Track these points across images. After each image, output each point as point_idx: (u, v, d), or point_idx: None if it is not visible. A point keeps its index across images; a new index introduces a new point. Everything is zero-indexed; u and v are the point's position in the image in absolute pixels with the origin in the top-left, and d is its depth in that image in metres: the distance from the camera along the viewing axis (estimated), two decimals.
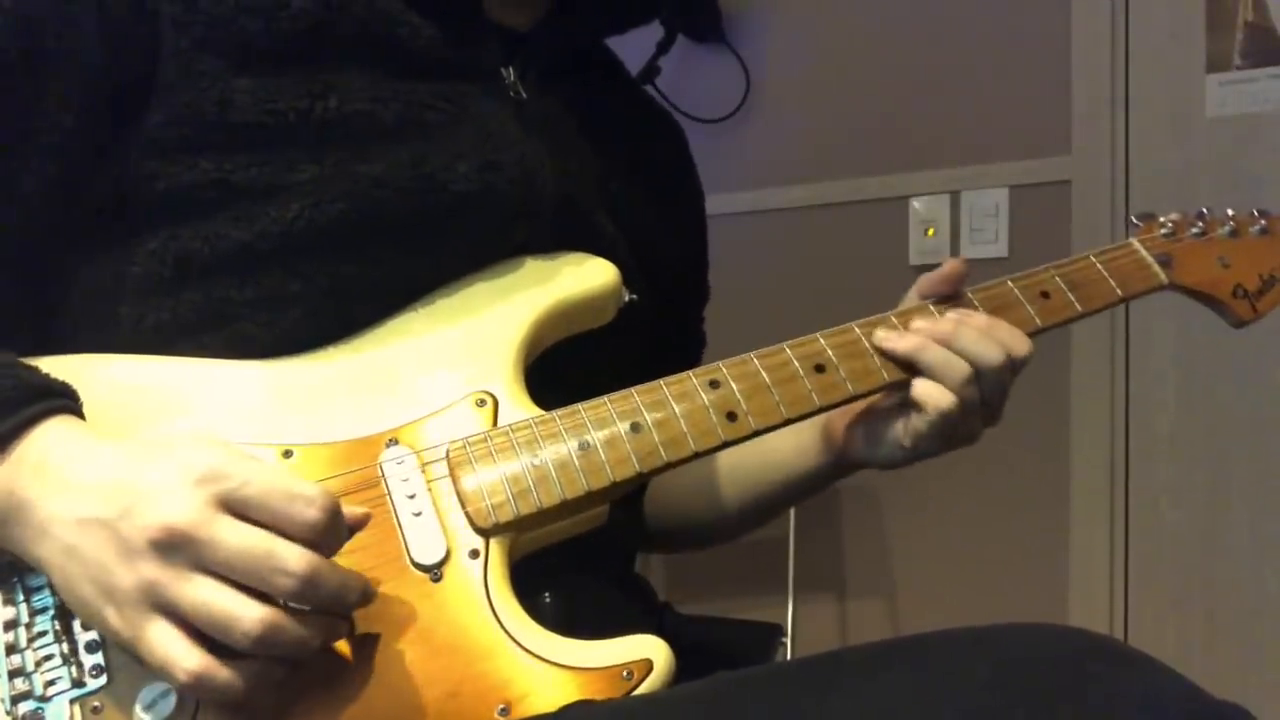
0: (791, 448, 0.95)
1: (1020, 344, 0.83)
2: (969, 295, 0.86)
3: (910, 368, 0.82)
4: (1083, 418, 2.19)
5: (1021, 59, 2.23)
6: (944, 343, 0.81)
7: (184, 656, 0.59)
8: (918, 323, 0.83)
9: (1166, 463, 2.14)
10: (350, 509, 0.65)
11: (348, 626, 0.65)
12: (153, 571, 0.60)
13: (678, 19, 2.34)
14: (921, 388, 0.81)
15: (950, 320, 0.82)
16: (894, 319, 0.84)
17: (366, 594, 0.65)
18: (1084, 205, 2.17)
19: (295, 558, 0.60)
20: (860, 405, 0.87)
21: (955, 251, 2.28)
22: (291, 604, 0.61)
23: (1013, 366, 0.82)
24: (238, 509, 0.61)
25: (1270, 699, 2.03)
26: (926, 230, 2.31)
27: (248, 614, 0.59)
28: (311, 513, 0.61)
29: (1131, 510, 2.17)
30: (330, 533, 0.63)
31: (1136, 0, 2.14)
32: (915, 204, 2.32)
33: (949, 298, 0.86)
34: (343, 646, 0.66)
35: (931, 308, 0.85)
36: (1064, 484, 2.20)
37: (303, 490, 0.62)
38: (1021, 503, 2.25)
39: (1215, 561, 2.11)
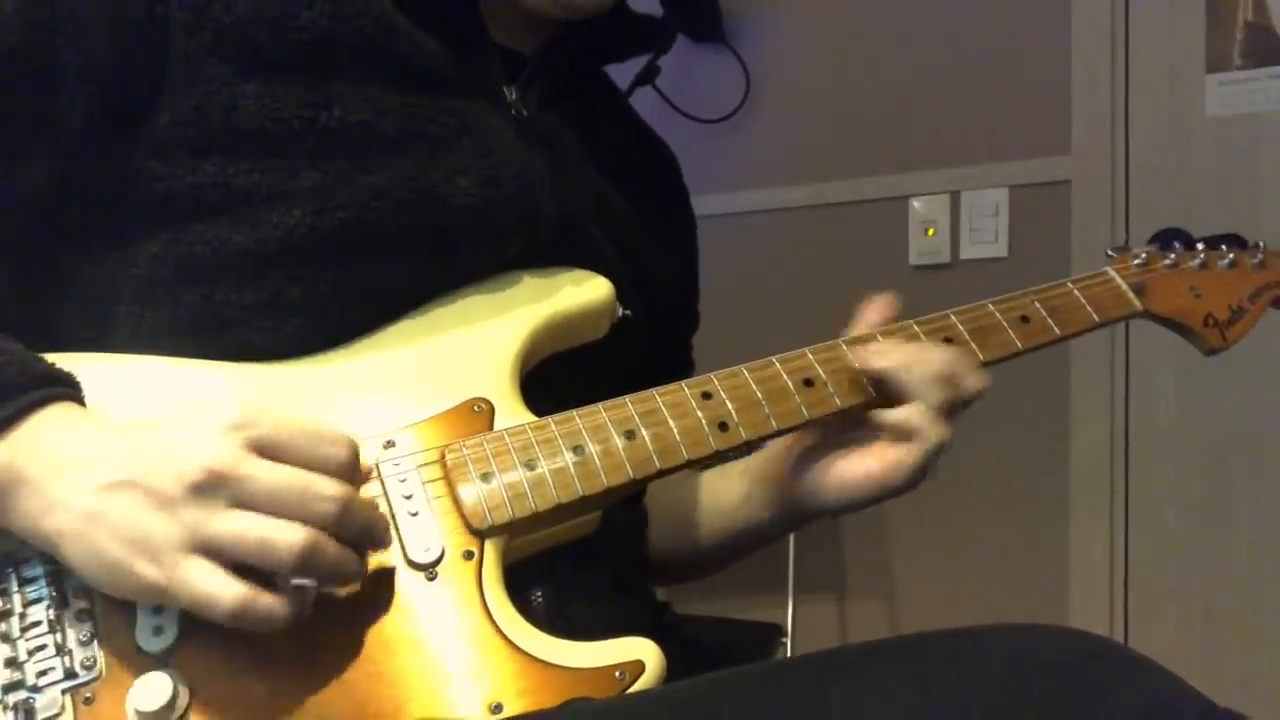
0: (740, 500, 0.95)
1: (978, 378, 0.83)
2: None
3: (885, 387, 0.82)
4: (1083, 418, 2.19)
5: (1021, 59, 2.23)
6: (921, 363, 0.81)
7: (226, 586, 0.61)
8: (886, 343, 0.83)
9: (1166, 462, 2.14)
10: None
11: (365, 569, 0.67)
12: (192, 514, 0.62)
13: (678, 19, 2.34)
14: (916, 417, 0.80)
15: (921, 343, 0.83)
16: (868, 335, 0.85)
17: (388, 535, 0.69)
18: (1084, 205, 2.17)
19: (332, 486, 0.64)
20: (806, 447, 0.87)
21: (955, 251, 2.29)
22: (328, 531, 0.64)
23: (971, 396, 0.83)
24: (269, 452, 0.64)
25: (1270, 699, 2.03)
26: (926, 230, 2.31)
27: (289, 533, 0.62)
28: (339, 451, 0.65)
29: (1131, 510, 2.17)
30: (353, 471, 0.66)
31: (1136, 0, 2.14)
32: (915, 204, 2.32)
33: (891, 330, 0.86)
34: (336, 643, 0.66)
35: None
36: (1064, 484, 2.20)
37: (328, 432, 0.66)
38: (1021, 503, 2.25)
39: (1215, 561, 2.11)
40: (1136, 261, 0.97)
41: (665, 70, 2.36)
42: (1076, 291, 0.92)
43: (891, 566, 2.39)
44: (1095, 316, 0.92)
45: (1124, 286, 0.94)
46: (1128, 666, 0.59)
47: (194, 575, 0.61)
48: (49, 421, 0.66)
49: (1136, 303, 0.94)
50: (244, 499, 0.62)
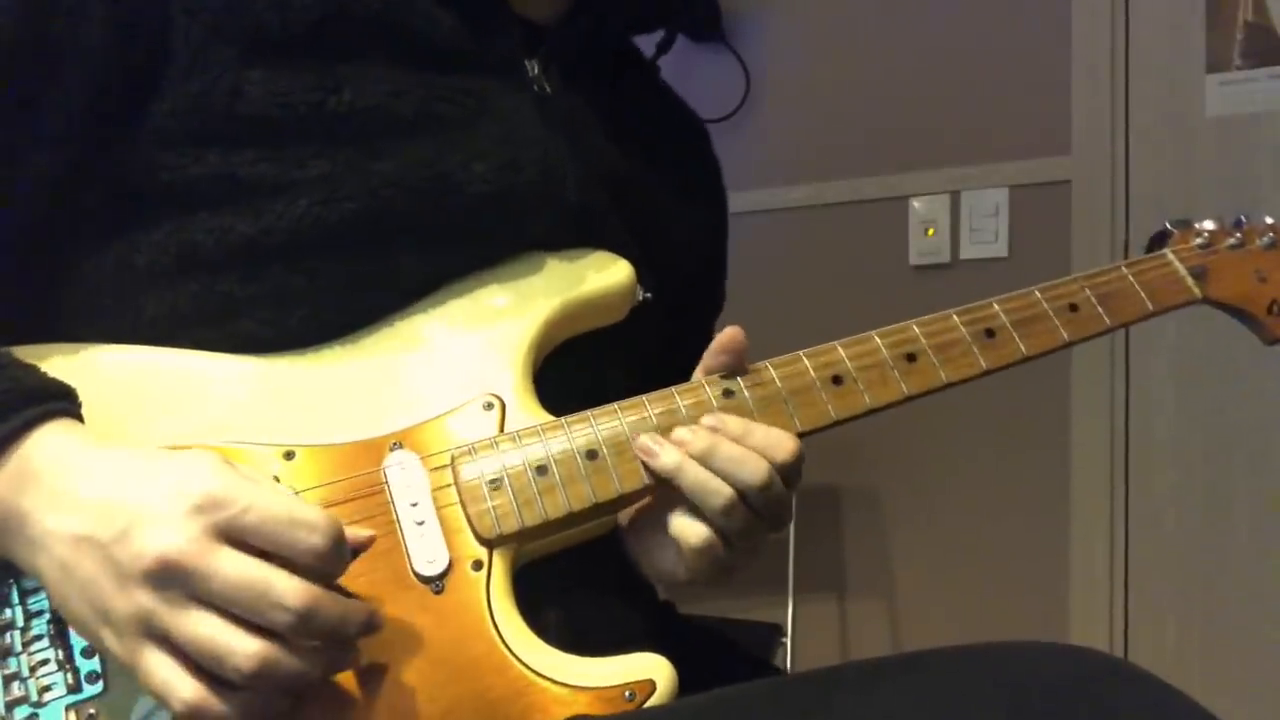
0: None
1: (782, 448, 0.74)
2: (740, 383, 0.77)
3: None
4: (1083, 421, 2.19)
5: (1021, 59, 2.23)
6: (702, 461, 0.72)
7: (179, 686, 0.58)
8: (679, 432, 0.74)
9: (1166, 467, 2.14)
10: (354, 532, 0.64)
11: (353, 656, 0.64)
12: (148, 601, 0.59)
13: (678, 19, 2.34)
14: (677, 525, 0.73)
15: (705, 435, 0.73)
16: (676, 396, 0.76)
17: (370, 624, 0.63)
18: (1084, 205, 2.17)
19: (292, 592, 0.59)
20: (646, 516, 0.80)
21: (955, 251, 2.28)
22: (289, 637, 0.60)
23: (782, 475, 0.74)
24: (237, 537, 0.60)
25: (1270, 701, 2.03)
26: (926, 230, 2.31)
27: (241, 648, 0.58)
28: (314, 539, 0.60)
29: (1131, 513, 2.17)
30: (333, 559, 0.61)
31: (1136, 0, 2.14)
32: (915, 204, 2.32)
33: (734, 370, 0.78)
34: None
35: (705, 385, 0.77)
36: (1064, 487, 2.20)
37: (305, 516, 0.61)
38: (1021, 505, 2.24)
39: (1215, 565, 2.11)
40: (1198, 241, 0.89)
41: (665, 70, 2.35)
42: (1131, 277, 0.85)
43: (891, 566, 2.39)
44: (1150, 305, 0.85)
45: (1183, 271, 0.87)
46: (1133, 685, 0.58)
47: (150, 664, 0.59)
48: (43, 444, 0.64)
49: (1195, 290, 0.87)
50: (200, 594, 0.59)
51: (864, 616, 2.42)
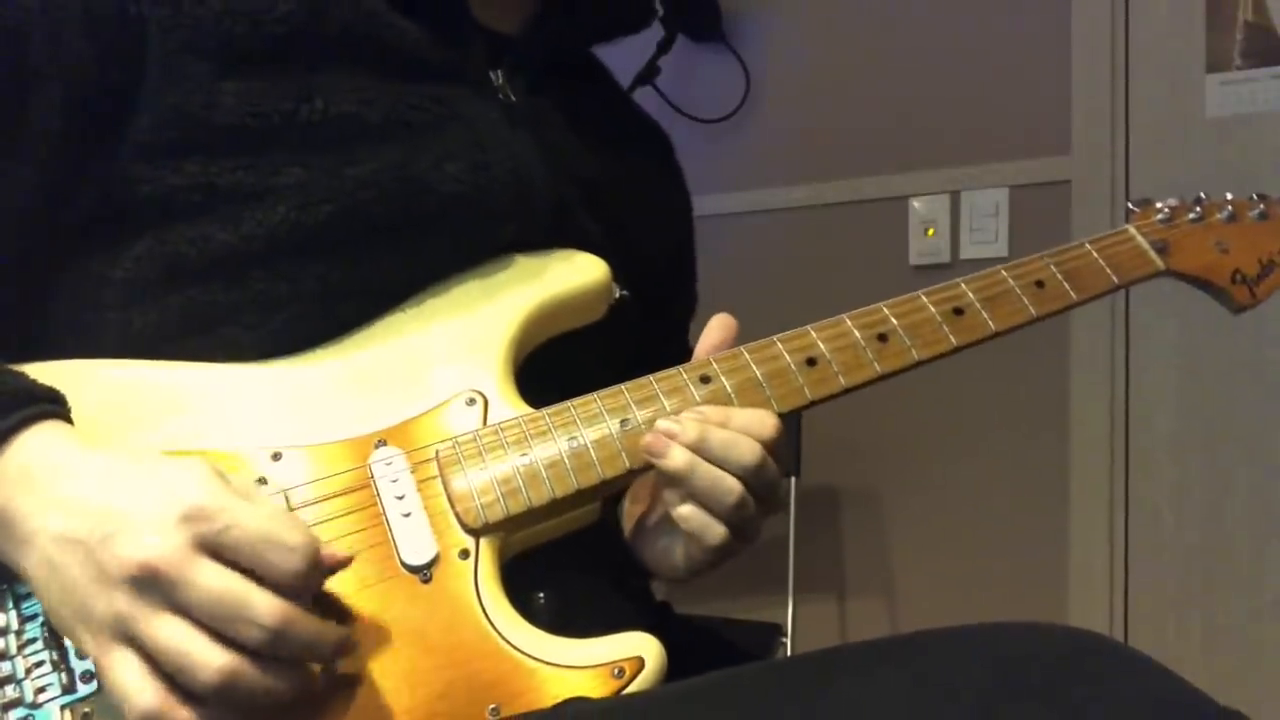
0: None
1: (766, 426, 0.75)
2: (716, 369, 0.79)
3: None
4: (1083, 418, 2.18)
5: (1021, 59, 2.23)
6: (697, 449, 0.73)
7: (140, 691, 0.59)
8: (663, 423, 0.75)
9: (1166, 463, 2.14)
10: (331, 552, 0.64)
11: (325, 677, 0.64)
12: (125, 604, 0.59)
13: (677, 19, 2.34)
14: (695, 523, 0.74)
15: (693, 425, 0.74)
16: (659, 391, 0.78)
17: (342, 647, 0.63)
18: (1084, 205, 2.17)
19: (267, 610, 0.59)
20: (639, 510, 0.83)
21: (955, 251, 2.28)
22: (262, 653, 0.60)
23: (770, 452, 0.75)
24: (218, 551, 0.60)
25: (1270, 699, 2.03)
26: (926, 230, 2.31)
27: (208, 660, 0.59)
28: (293, 562, 0.61)
29: (1131, 510, 2.17)
30: (309, 581, 0.62)
31: (1136, 0, 2.14)
32: (915, 204, 2.32)
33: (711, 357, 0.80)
34: None
35: (682, 371, 0.78)
36: (1064, 484, 2.20)
37: (286, 539, 0.61)
38: (1021, 503, 2.24)
39: (1215, 562, 2.11)
40: (1159, 217, 0.92)
41: (665, 70, 2.37)
42: (1095, 253, 0.88)
43: (891, 566, 2.39)
44: (1115, 278, 0.87)
45: (1145, 245, 0.90)
46: (1126, 662, 0.59)
47: (118, 666, 0.59)
48: (32, 444, 0.65)
49: (1159, 262, 0.90)
50: (176, 603, 0.59)
51: (864, 616, 2.42)
